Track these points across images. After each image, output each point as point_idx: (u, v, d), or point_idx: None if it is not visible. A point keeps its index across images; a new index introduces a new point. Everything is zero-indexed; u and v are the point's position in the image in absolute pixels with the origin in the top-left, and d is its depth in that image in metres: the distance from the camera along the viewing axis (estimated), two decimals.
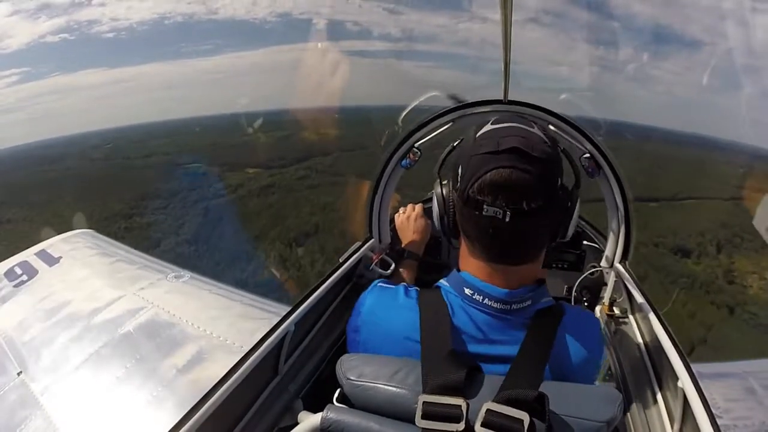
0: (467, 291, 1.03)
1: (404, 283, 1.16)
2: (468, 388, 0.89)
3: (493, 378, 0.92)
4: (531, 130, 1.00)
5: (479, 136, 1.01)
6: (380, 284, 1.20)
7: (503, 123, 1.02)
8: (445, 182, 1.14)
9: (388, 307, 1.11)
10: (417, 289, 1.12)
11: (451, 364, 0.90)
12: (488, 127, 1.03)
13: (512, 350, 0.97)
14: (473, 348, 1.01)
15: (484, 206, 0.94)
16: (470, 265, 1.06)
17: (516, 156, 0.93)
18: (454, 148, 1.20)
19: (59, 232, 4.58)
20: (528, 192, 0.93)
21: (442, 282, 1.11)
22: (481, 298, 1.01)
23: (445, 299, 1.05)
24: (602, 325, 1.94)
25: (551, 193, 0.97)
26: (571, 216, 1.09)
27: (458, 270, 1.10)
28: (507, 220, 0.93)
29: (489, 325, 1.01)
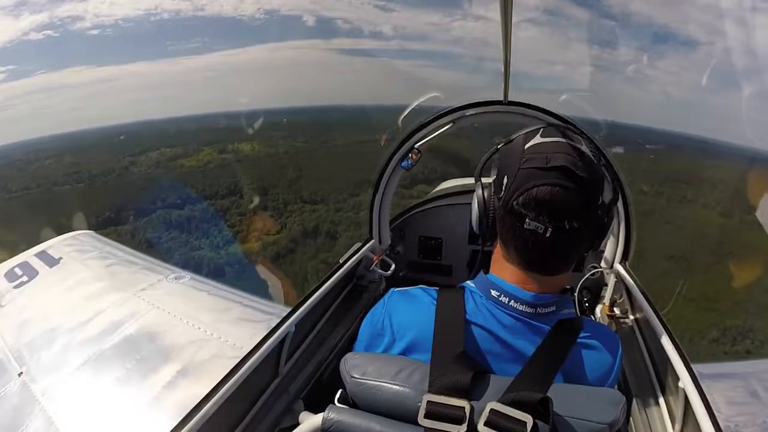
0: (494, 293, 1.03)
1: (423, 286, 1.17)
2: (474, 390, 0.89)
3: (500, 380, 0.92)
4: (579, 147, 1.00)
5: (528, 148, 1.01)
6: (398, 289, 1.20)
7: (552, 137, 1.02)
8: (486, 184, 1.13)
9: (411, 304, 1.12)
10: (437, 289, 1.12)
11: (460, 366, 0.91)
12: (537, 139, 1.03)
13: (531, 353, 0.98)
14: (492, 347, 1.02)
15: (527, 220, 0.96)
16: (503, 269, 1.07)
17: (563, 174, 0.94)
18: (497, 150, 1.21)
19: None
20: (571, 211, 0.95)
21: (468, 283, 1.11)
22: (508, 300, 1.02)
23: (468, 299, 1.06)
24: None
25: (592, 213, 0.99)
26: (607, 231, 1.09)
27: (485, 272, 1.10)
28: (547, 235, 0.95)
29: (513, 327, 1.01)
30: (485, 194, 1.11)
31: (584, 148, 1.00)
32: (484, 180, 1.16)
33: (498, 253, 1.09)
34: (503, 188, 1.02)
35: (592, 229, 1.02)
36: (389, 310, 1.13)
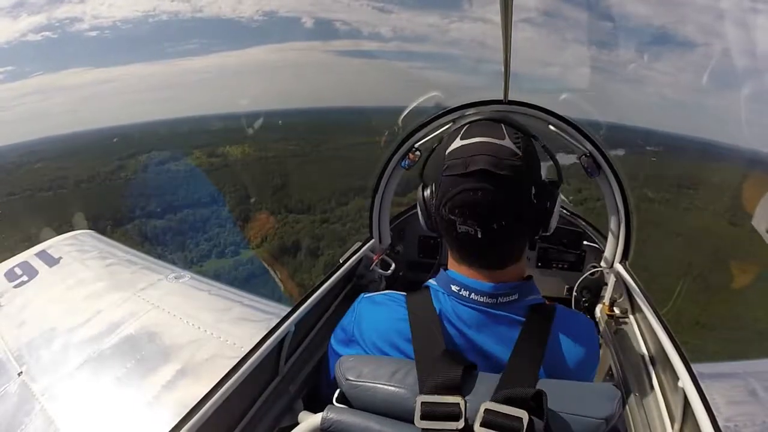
0: (454, 288, 1.04)
1: (390, 290, 1.18)
2: (464, 386, 0.89)
3: (489, 376, 0.92)
4: (500, 143, 0.98)
5: (449, 153, 1.01)
6: (366, 295, 1.22)
7: (471, 138, 1.01)
8: (428, 186, 1.15)
9: (379, 310, 1.13)
10: (404, 294, 1.13)
11: (446, 363, 0.91)
12: (457, 143, 1.02)
13: (501, 348, 0.99)
14: (463, 344, 1.02)
15: (457, 225, 0.98)
16: (457, 266, 1.09)
17: (484, 177, 0.94)
18: (433, 151, 1.21)
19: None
20: (496, 212, 0.96)
21: (431, 281, 1.12)
22: (468, 293, 1.03)
23: (434, 297, 1.07)
24: (602, 326, 1.93)
25: (522, 207, 0.99)
26: (551, 213, 1.08)
27: (445, 269, 1.11)
28: (479, 236, 0.97)
29: (477, 321, 1.02)
30: (425, 196, 1.14)
31: (506, 142, 0.99)
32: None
33: (450, 251, 1.11)
34: (433, 195, 1.05)
35: (530, 219, 1.03)
36: (358, 318, 1.16)
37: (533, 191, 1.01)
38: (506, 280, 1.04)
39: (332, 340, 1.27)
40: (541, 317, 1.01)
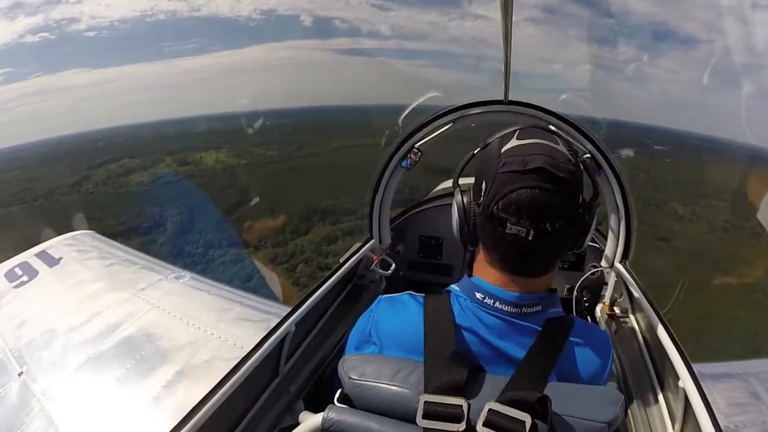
0: (478, 295, 1.03)
1: (410, 291, 1.17)
2: (470, 388, 0.89)
3: (496, 379, 0.92)
4: (556, 147, 1.00)
5: (504, 152, 1.01)
6: (385, 296, 1.20)
7: (529, 139, 1.02)
8: (464, 190, 1.14)
9: (397, 311, 1.12)
10: (423, 295, 1.12)
11: (454, 365, 0.91)
12: (514, 142, 1.02)
13: (519, 354, 0.98)
14: (480, 350, 1.01)
15: (508, 224, 0.96)
16: (487, 273, 1.07)
17: (542, 176, 0.94)
18: (474, 155, 1.20)
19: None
20: (552, 213, 0.95)
21: (453, 287, 1.12)
22: (492, 302, 1.02)
23: (454, 302, 1.06)
24: (602, 326, 1.93)
25: (573, 212, 0.99)
26: (589, 229, 1.09)
27: (469, 275, 1.11)
28: (530, 238, 0.95)
29: (499, 328, 1.01)
30: (464, 200, 1.11)
31: (561, 147, 1.00)
32: (462, 182, 1.17)
33: (481, 257, 1.09)
34: (482, 194, 1.02)
35: (575, 228, 1.03)
36: (375, 320, 1.14)
37: (580, 200, 1.03)
38: (533, 290, 1.03)
39: (347, 346, 1.25)
40: (559, 328, 1.01)
